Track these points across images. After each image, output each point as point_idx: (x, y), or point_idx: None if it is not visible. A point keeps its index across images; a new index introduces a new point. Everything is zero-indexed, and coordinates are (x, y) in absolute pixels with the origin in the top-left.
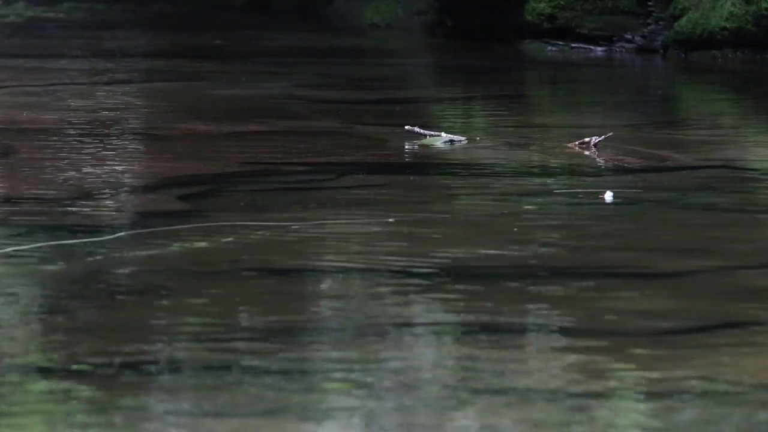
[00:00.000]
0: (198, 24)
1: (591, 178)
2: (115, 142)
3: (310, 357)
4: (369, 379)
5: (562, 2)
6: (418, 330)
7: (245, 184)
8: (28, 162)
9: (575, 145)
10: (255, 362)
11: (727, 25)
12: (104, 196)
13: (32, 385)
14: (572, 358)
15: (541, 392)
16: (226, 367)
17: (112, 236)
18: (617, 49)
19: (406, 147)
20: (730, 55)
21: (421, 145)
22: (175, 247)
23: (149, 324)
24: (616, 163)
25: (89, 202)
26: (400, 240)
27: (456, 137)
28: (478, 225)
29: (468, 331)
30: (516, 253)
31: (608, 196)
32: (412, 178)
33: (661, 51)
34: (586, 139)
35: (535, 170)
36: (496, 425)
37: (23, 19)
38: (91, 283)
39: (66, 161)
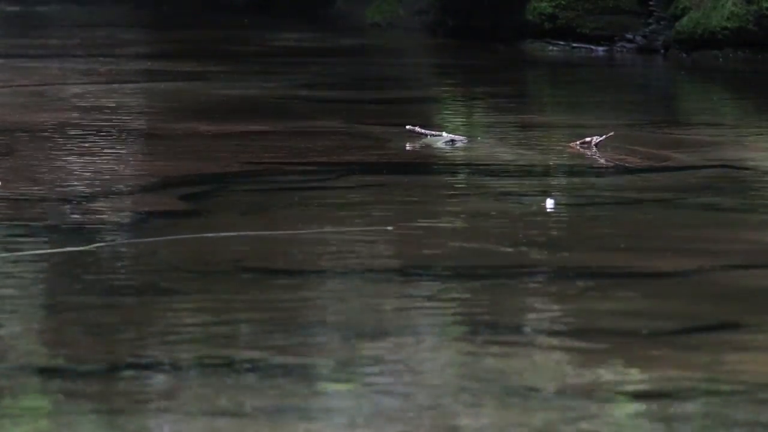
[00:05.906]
0: (198, 24)
1: (592, 178)
2: (115, 142)
3: (310, 357)
4: (369, 380)
5: (563, 2)
6: (418, 330)
7: (246, 184)
8: (27, 162)
9: (576, 144)
10: (255, 362)
11: (728, 25)
12: (104, 196)
13: (33, 386)
14: (572, 358)
15: (541, 392)
16: (227, 367)
17: (111, 237)
18: (618, 49)
19: (407, 147)
20: (731, 55)
21: (422, 145)
22: (176, 247)
23: (149, 324)
24: (616, 162)
25: (90, 202)
26: (400, 239)
27: (457, 137)
28: (478, 225)
29: (468, 331)
30: (516, 252)
31: (549, 203)
32: (413, 178)
33: (662, 51)
34: (587, 139)
35: (535, 170)
36: (496, 425)
37: (19, 16)
38: (92, 283)
39: (66, 161)
